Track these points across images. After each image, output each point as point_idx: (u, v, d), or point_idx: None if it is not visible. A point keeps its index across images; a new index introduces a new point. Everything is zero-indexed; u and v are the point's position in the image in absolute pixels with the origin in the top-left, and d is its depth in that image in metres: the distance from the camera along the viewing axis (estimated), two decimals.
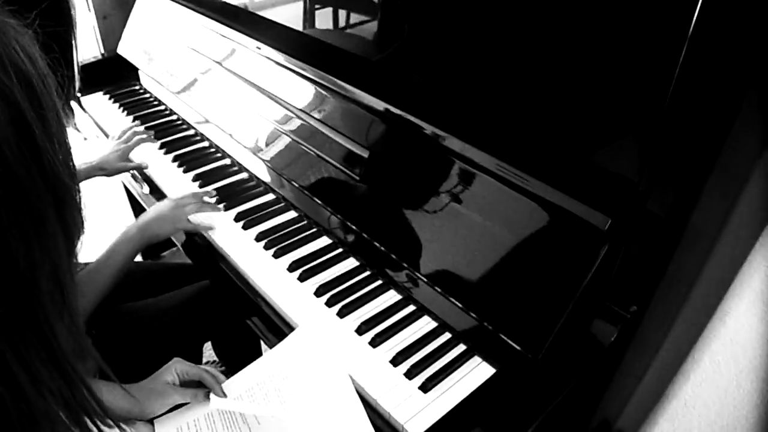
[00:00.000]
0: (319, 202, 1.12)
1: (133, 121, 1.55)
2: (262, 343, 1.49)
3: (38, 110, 0.39)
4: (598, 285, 0.80)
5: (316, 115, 1.15)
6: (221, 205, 1.19)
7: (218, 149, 1.40)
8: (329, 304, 0.96)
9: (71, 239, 0.43)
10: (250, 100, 1.30)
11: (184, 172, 1.32)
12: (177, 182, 1.30)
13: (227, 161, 1.36)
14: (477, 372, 0.85)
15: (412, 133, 1.00)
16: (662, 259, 0.84)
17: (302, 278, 1.01)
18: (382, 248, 1.00)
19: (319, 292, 0.98)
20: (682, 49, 0.62)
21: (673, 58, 0.63)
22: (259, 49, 1.29)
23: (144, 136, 1.35)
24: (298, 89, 1.21)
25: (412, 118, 0.99)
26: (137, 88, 1.72)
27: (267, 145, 1.24)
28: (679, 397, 0.93)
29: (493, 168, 0.87)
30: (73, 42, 0.71)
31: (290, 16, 1.25)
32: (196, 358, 1.48)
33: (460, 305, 0.88)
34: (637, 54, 0.69)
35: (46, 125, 0.40)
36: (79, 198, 0.44)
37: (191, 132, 1.49)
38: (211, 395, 0.82)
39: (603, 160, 0.77)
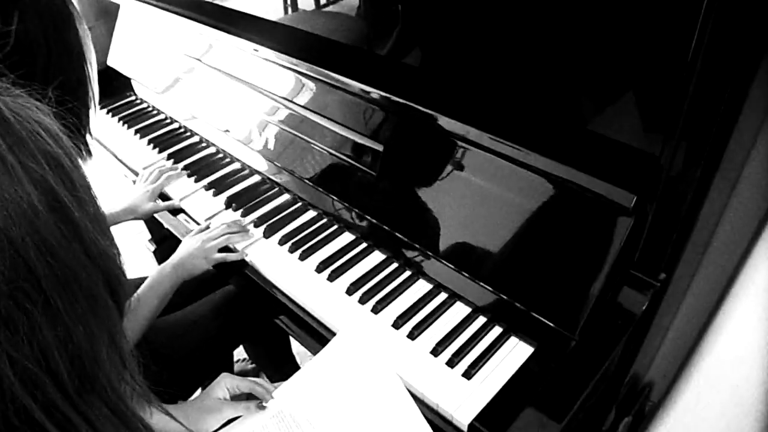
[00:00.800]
0: (336, 198, 1.12)
1: (135, 134, 1.54)
2: (291, 338, 1.52)
3: (71, 190, 0.39)
4: (626, 258, 0.81)
5: (322, 111, 1.15)
6: (239, 213, 1.19)
7: (226, 154, 1.39)
8: (362, 301, 0.98)
9: (120, 303, 0.44)
10: (253, 102, 1.30)
11: (195, 181, 1.32)
12: (189, 191, 1.30)
13: (237, 165, 1.36)
14: (516, 352, 0.87)
15: (431, 126, 1.00)
16: (686, 224, 0.85)
17: (331, 278, 1.02)
18: (405, 239, 1.01)
19: (350, 290, 0.99)
20: (699, 13, 0.62)
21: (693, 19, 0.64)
22: (257, 51, 1.28)
23: (171, 172, 1.33)
24: (287, 82, 1.22)
25: (434, 113, 0.98)
26: (133, 99, 1.71)
27: (274, 144, 1.24)
28: (711, 353, 0.95)
29: (516, 155, 0.88)
30: (89, 81, 0.71)
31: (272, 7, 1.24)
32: (228, 363, 1.50)
33: (490, 288, 0.90)
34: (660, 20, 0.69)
35: (82, 202, 0.39)
36: (121, 261, 0.44)
37: (196, 139, 1.48)
38: (266, 403, 0.84)
39: (624, 136, 0.78)
